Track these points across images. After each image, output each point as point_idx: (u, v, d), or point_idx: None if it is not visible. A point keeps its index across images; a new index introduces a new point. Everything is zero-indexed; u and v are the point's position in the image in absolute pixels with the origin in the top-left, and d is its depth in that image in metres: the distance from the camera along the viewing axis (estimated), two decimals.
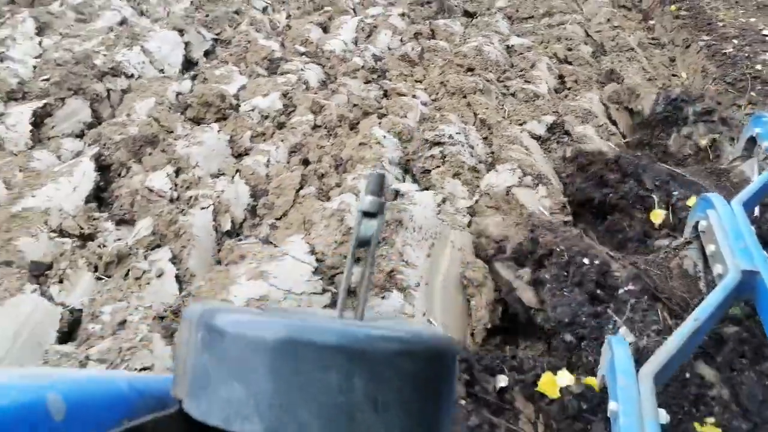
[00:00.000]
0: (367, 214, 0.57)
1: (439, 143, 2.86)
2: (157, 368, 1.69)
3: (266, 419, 0.47)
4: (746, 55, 4.16)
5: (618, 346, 1.53)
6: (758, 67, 3.92)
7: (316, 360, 0.47)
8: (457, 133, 2.96)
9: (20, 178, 2.77)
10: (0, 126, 3.23)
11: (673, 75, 4.57)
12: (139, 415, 0.55)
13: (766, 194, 2.33)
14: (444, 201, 2.48)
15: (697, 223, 2.11)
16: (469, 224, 2.41)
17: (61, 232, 2.38)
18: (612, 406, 1.39)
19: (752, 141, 2.79)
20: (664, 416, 1.37)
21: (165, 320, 1.85)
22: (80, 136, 3.34)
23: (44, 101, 3.48)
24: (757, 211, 2.36)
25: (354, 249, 0.58)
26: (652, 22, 5.66)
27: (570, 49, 4.27)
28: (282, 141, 3.05)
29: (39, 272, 2.18)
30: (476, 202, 2.56)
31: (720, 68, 4.09)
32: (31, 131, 3.27)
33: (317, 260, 2.13)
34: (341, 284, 0.55)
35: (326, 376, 0.47)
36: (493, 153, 2.96)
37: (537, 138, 3.12)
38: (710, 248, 1.98)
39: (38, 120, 3.37)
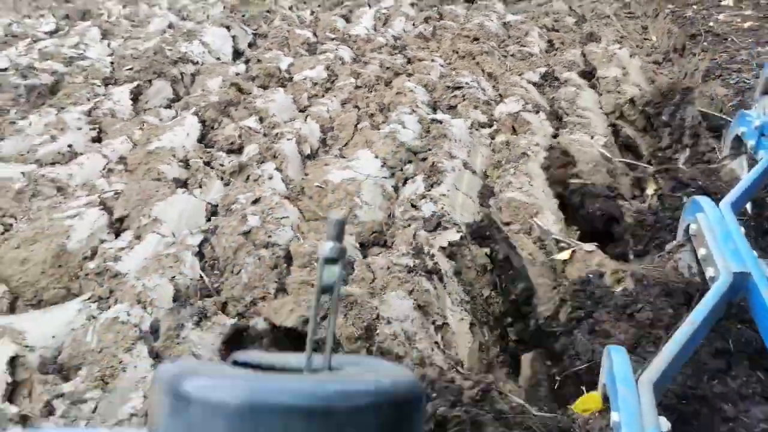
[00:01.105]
0: (329, 261, 0.58)
1: (458, 87, 3.77)
2: (291, 220, 2.57)
3: None
4: (702, 16, 5.07)
5: (617, 355, 1.51)
6: (711, 24, 4.83)
7: (276, 422, 0.48)
8: (471, 81, 3.86)
9: (140, 133, 3.66)
10: (108, 101, 4.13)
11: (645, 39, 5.49)
12: None
13: (754, 193, 2.37)
14: (472, 125, 3.37)
15: (688, 225, 2.14)
16: (492, 137, 3.30)
17: (187, 162, 3.27)
18: (614, 416, 1.39)
19: (738, 140, 2.83)
20: (665, 424, 1.36)
21: (287, 197, 2.74)
22: (168, 107, 4.24)
23: (136, 83, 4.39)
24: (749, 207, 2.41)
25: (318, 297, 0.58)
26: (627, 0, 6.61)
27: (556, 21, 5.21)
28: (334, 97, 3.95)
29: (181, 184, 3.06)
30: (494, 128, 3.45)
31: (681, 28, 5.00)
32: (131, 105, 4.18)
33: (382, 162, 3.02)
34: (308, 332, 0.56)
35: None
36: (500, 94, 3.86)
37: (533, 83, 4.02)
38: (701, 252, 1.99)
39: (134, 97, 4.28)
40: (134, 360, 1.96)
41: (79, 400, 1.83)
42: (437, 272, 2.17)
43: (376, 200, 2.70)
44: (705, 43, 4.51)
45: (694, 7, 5.37)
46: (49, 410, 1.81)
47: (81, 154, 3.49)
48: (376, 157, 3.05)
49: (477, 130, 3.36)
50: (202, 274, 2.31)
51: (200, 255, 2.44)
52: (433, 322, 1.95)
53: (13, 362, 1.94)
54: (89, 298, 2.27)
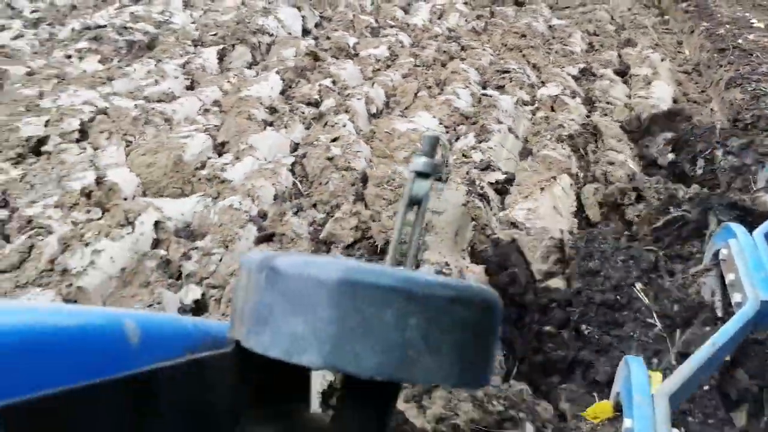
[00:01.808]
0: (420, 174, 0.63)
1: (506, 72, 4.36)
2: (364, 154, 3.16)
3: (324, 351, 0.52)
4: (733, 35, 5.58)
5: (635, 365, 1.56)
6: (740, 41, 5.34)
7: (374, 299, 0.52)
8: (517, 68, 4.44)
9: (228, 85, 4.31)
10: (198, 59, 4.80)
11: (679, 52, 6.01)
12: (200, 351, 0.63)
13: None
14: (516, 101, 3.95)
15: (718, 251, 2.17)
16: (534, 113, 3.88)
17: (272, 109, 3.90)
18: (627, 423, 1.42)
19: None
20: None
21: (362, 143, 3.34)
22: (249, 68, 4.89)
23: (221, 46, 5.06)
24: None
25: (406, 207, 0.63)
26: (666, 17, 7.13)
27: (598, 27, 5.77)
28: (396, 71, 4.56)
29: (268, 124, 3.69)
30: (536, 106, 4.02)
31: (713, 43, 5.52)
32: (218, 63, 4.84)
33: (438, 121, 3.61)
34: (392, 239, 0.61)
35: (383, 314, 0.52)
36: (542, 81, 4.44)
37: (572, 76, 4.59)
38: (730, 277, 2.02)
39: (219, 58, 4.94)
40: (246, 233, 2.58)
41: (209, 253, 2.44)
42: (486, 197, 2.76)
43: None
44: (732, 57, 5.03)
45: (727, 26, 5.88)
46: (186, 257, 2.43)
47: (179, 97, 4.15)
48: (434, 117, 3.64)
49: (521, 106, 3.94)
50: (297, 182, 2.93)
51: (292, 172, 3.06)
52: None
53: (156, 225, 2.57)
54: (203, 195, 2.90)
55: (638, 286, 2.18)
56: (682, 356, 1.94)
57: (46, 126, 3.52)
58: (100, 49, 5.06)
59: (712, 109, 4.67)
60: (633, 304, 2.12)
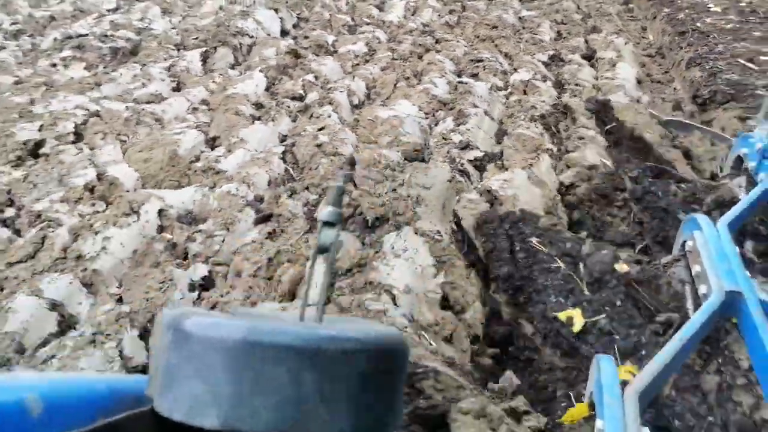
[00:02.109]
0: (327, 224, 0.63)
1: (479, 60, 4.60)
2: (351, 140, 3.36)
3: (222, 412, 0.54)
4: (692, 19, 5.90)
5: (605, 365, 1.58)
6: (698, 24, 5.65)
7: (269, 357, 0.54)
8: (490, 57, 4.68)
9: (214, 85, 4.48)
10: (182, 62, 4.96)
11: (643, 37, 6.32)
12: (115, 413, 0.61)
13: (751, 214, 2.43)
14: (491, 87, 4.19)
15: (684, 242, 2.21)
16: (507, 98, 4.11)
17: (258, 104, 4.08)
18: (598, 424, 1.44)
19: (739, 160, 2.91)
20: None
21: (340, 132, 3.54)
22: (232, 68, 5.06)
23: (203, 49, 5.23)
24: None
25: (315, 257, 0.64)
26: (630, 5, 7.45)
27: (565, 16, 6.05)
28: (375, 65, 4.77)
29: (256, 118, 3.87)
30: (509, 91, 4.26)
31: (674, 27, 5.83)
32: (201, 65, 5.01)
33: (418, 108, 3.83)
34: (303, 289, 0.76)
35: (277, 371, 0.54)
36: (514, 68, 4.68)
37: (542, 62, 4.84)
38: (696, 268, 2.05)
39: (203, 60, 5.11)
40: (245, 216, 2.76)
41: (212, 236, 2.62)
42: (467, 173, 2.98)
43: (415, 131, 3.50)
44: (691, 39, 5.33)
45: (687, 11, 6.20)
46: (191, 239, 2.60)
47: (167, 98, 4.31)
48: (413, 105, 3.86)
49: (495, 91, 4.18)
50: (289, 168, 3.12)
51: (284, 160, 3.25)
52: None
53: (160, 213, 2.75)
54: (200, 186, 3.07)
55: (534, 240, 2.36)
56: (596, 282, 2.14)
57: (40, 130, 3.67)
58: (84, 57, 5.20)
59: (675, 88, 4.96)
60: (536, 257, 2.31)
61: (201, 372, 0.55)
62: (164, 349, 0.58)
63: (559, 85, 4.39)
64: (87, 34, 5.74)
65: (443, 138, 3.45)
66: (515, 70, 4.65)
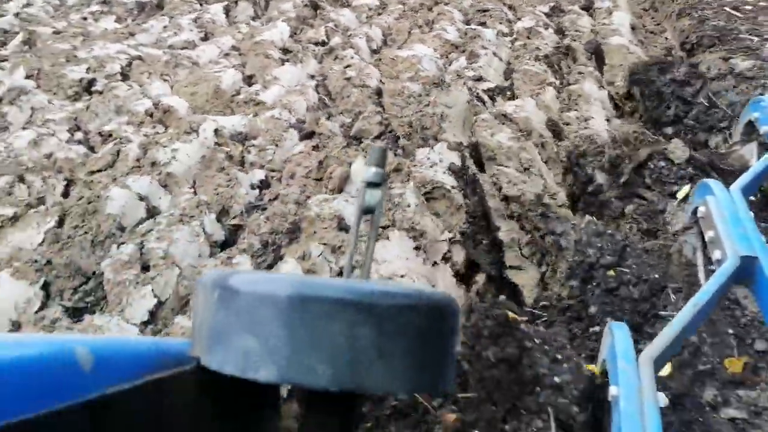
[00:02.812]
0: (371, 185, 0.64)
1: (486, 10, 5.00)
2: (375, 75, 3.77)
3: (278, 366, 0.55)
4: None
5: (618, 331, 1.58)
6: None
7: (323, 312, 0.54)
8: (495, 7, 5.08)
9: (239, 34, 4.85)
10: (207, 14, 5.32)
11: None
12: (159, 372, 0.62)
13: (764, 179, 2.43)
14: (497, 33, 4.59)
15: (696, 208, 2.18)
16: (512, 43, 4.52)
17: (285, 50, 4.47)
18: (612, 390, 1.44)
19: (751, 125, 2.83)
20: (663, 400, 1.41)
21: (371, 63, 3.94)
22: (254, 20, 5.43)
23: (225, 3, 5.58)
24: None
25: (359, 217, 0.64)
26: None
27: None
28: (388, 16, 5.16)
29: (285, 60, 4.27)
30: (515, 38, 4.66)
31: None
32: (225, 18, 5.37)
33: (432, 50, 4.23)
34: (347, 250, 0.68)
35: (332, 326, 0.55)
36: (518, 18, 5.08)
37: (544, 13, 5.23)
38: (709, 234, 2.03)
39: (225, 12, 5.47)
40: (290, 136, 3.19)
41: (263, 149, 3.05)
42: (481, 99, 3.40)
43: (432, 67, 3.92)
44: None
45: None
46: (247, 151, 3.02)
47: (199, 45, 4.69)
48: (428, 47, 4.26)
49: (501, 37, 4.58)
50: (323, 98, 3.53)
51: (317, 92, 3.66)
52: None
53: (215, 132, 3.16)
54: (245, 114, 3.48)
55: None
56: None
57: (88, 72, 4.05)
58: (112, 11, 5.55)
59: (666, 38, 5.37)
60: None
61: (252, 327, 0.56)
62: (210, 307, 0.59)
63: (560, 32, 4.80)
64: None
65: (458, 75, 3.86)
66: (519, 19, 5.04)
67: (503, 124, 3.16)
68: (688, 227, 2.28)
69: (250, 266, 2.17)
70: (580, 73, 3.86)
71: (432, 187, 2.53)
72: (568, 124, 3.34)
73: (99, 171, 2.91)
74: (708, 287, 1.74)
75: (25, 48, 4.61)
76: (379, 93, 3.56)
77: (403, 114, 3.22)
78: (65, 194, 2.80)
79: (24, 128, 3.30)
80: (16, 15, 5.53)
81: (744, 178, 2.27)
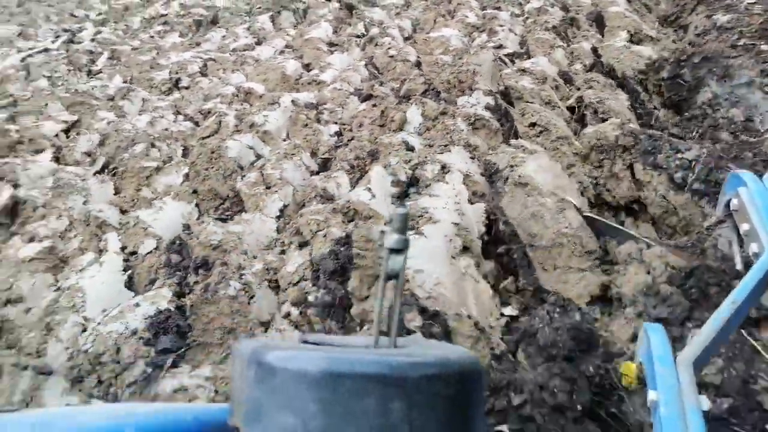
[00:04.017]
0: (394, 251, 0.65)
1: None
2: (413, 52, 4.61)
3: None
4: None
5: (654, 333, 1.52)
6: None
7: (355, 388, 0.56)
8: None
9: (288, 37, 5.73)
10: (256, 23, 6.23)
11: None
12: None
13: None
14: (511, 15, 5.40)
15: (729, 201, 2.12)
16: (525, 21, 5.33)
17: (331, 43, 5.33)
18: (651, 395, 1.39)
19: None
20: (706, 403, 1.35)
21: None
22: (296, 26, 6.32)
23: (270, 14, 6.49)
24: None
25: (384, 283, 0.65)
26: None
27: None
28: (414, 11, 6.01)
29: (333, 52, 5.12)
30: (527, 17, 5.47)
31: None
32: (272, 24, 6.27)
33: (457, 31, 5.05)
34: (374, 315, 0.63)
35: (365, 402, 0.56)
36: (528, 0, 5.89)
37: None
38: (744, 227, 1.98)
39: (271, 21, 6.37)
40: (351, 100, 4.01)
41: (333, 111, 3.87)
42: (504, 61, 4.20)
43: (459, 43, 4.73)
44: None
45: None
46: (320, 113, 3.85)
47: (255, 48, 5.58)
48: (453, 30, 5.09)
49: (515, 17, 5.39)
50: (374, 72, 4.36)
51: (366, 69, 4.49)
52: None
53: (293, 102, 3.99)
54: (310, 92, 4.32)
55: None
56: None
57: (171, 74, 4.95)
58: (175, 29, 6.50)
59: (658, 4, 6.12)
60: None
61: (289, 404, 0.58)
62: (247, 381, 0.62)
63: (565, 9, 5.59)
64: (167, 14, 7.05)
65: (481, 47, 4.67)
66: (528, 1, 5.85)
67: (523, 75, 3.94)
68: (721, 221, 2.23)
69: (346, 180, 2.98)
70: (583, 36, 4.63)
71: (475, 119, 3.32)
72: (576, 73, 4.12)
73: (208, 137, 3.75)
74: (746, 282, 1.67)
75: (113, 62, 5.54)
76: (418, 64, 4.38)
77: (440, 76, 4.03)
78: (184, 155, 3.64)
79: (140, 114, 4.18)
80: (92, 40, 6.51)
81: None
